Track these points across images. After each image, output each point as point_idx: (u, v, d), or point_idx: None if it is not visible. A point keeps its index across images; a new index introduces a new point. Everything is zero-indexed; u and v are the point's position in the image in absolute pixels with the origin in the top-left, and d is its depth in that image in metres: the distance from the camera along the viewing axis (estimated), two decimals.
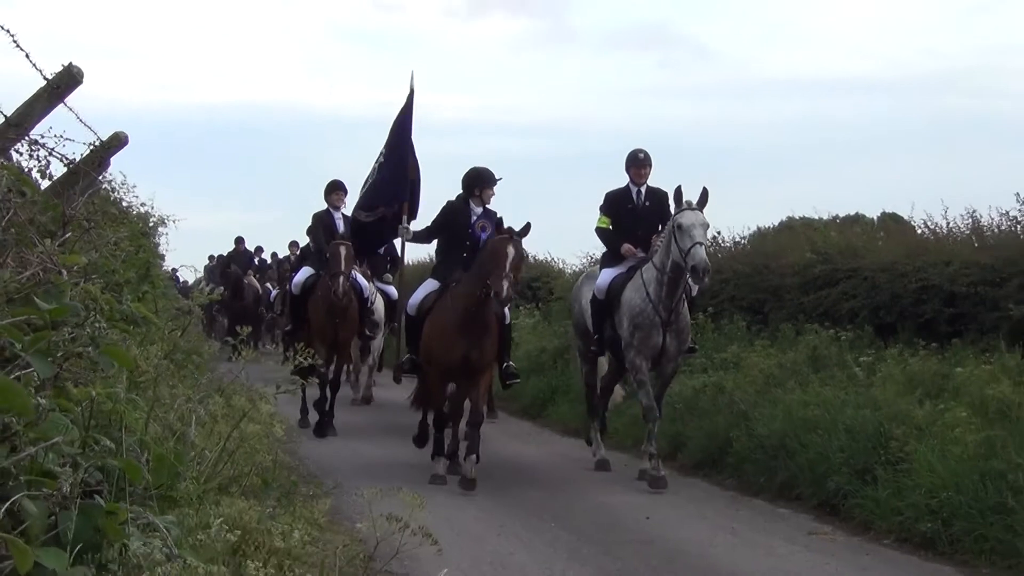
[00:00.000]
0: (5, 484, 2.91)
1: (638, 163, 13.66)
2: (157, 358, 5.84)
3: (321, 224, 16.85)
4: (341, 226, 16.88)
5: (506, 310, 13.30)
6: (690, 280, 12.32)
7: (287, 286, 23.82)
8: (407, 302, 13.32)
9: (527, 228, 12.11)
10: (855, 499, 10.28)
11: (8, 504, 2.76)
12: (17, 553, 2.25)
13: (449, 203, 13.53)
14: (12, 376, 3.14)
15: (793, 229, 21.69)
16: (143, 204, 12.83)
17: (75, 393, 3.35)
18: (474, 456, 12.09)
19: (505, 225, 12.72)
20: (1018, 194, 13.93)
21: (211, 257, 31.87)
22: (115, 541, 3.23)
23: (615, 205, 13.78)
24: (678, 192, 12.40)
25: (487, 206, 13.26)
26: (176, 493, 4.19)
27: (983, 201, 15.53)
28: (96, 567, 3.08)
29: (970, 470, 9.36)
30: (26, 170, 7.18)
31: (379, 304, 18.36)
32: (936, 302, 13.54)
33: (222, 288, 24.62)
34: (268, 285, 27.11)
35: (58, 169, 8.06)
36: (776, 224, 24.79)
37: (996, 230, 14.52)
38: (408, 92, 15.09)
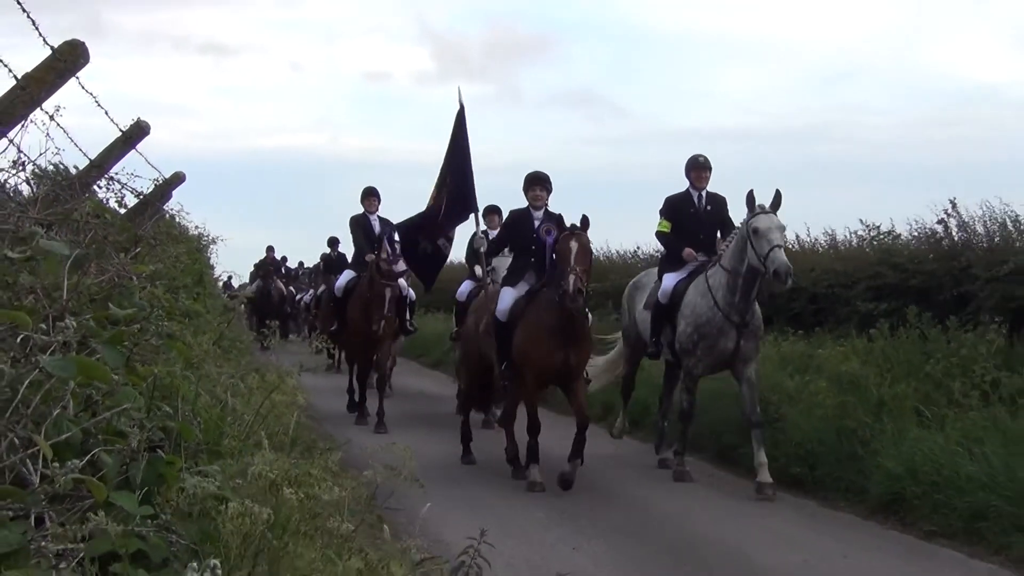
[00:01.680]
0: (87, 441, 2.92)
1: (699, 167, 11.03)
2: (207, 344, 5.83)
3: (359, 227, 14.54)
4: (377, 227, 14.57)
5: (589, 314, 10.59)
6: (771, 283, 9.77)
7: (317, 290, 23.77)
8: (497, 309, 10.40)
9: (585, 221, 9.74)
10: (742, 450, 10.31)
11: (90, 456, 2.77)
12: (95, 490, 2.28)
13: (512, 212, 11.09)
14: (95, 358, 3.13)
15: None
16: (197, 227, 12.86)
17: (141, 371, 3.36)
18: (579, 459, 9.61)
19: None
20: (863, 219, 14.06)
21: (256, 266, 30.83)
22: (173, 485, 3.24)
23: (676, 209, 11.05)
24: (750, 196, 9.89)
25: (548, 209, 10.65)
26: (221, 448, 4.19)
27: (839, 223, 15.59)
28: (158, 506, 3.08)
29: (829, 427, 9.60)
30: (105, 201, 7.19)
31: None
32: (803, 299, 13.54)
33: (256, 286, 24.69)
34: (291, 288, 26.95)
35: (131, 200, 8.09)
36: None
37: (848, 245, 14.68)
38: (458, 108, 11.77)
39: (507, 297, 10.36)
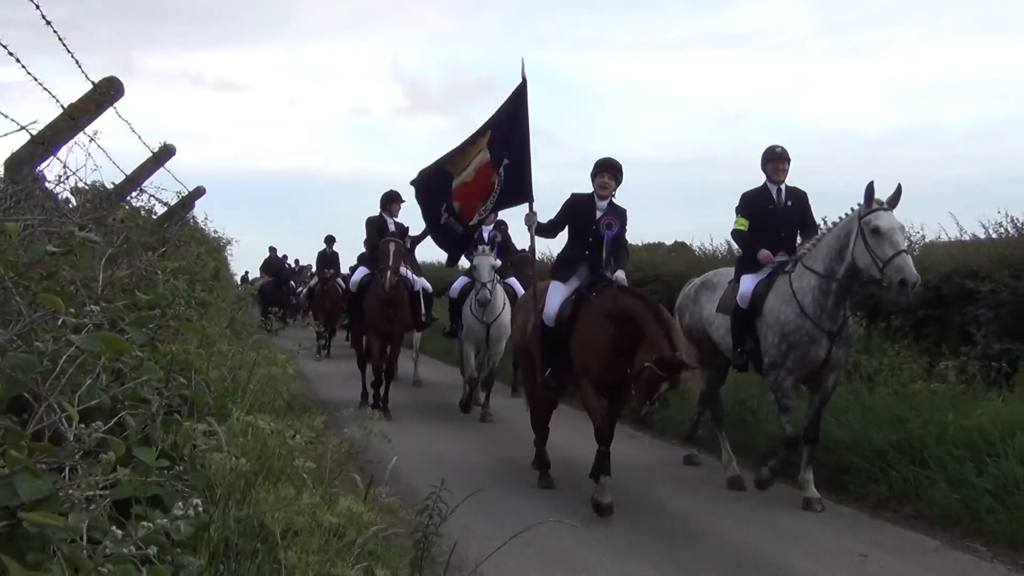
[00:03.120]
0: (115, 406, 2.89)
1: (776, 158, 8.34)
2: (220, 327, 5.78)
3: (375, 227, 12.20)
4: (392, 230, 12.26)
5: None
6: (894, 295, 7.08)
7: (310, 284, 22.80)
8: (544, 312, 7.87)
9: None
10: (658, 416, 10.07)
11: (116, 418, 2.73)
12: (115, 446, 2.25)
13: (573, 195, 8.15)
14: (125, 337, 3.09)
15: None
16: (215, 231, 12.73)
17: (162, 349, 3.34)
18: (608, 477, 7.26)
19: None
20: None
21: (264, 264, 30.23)
22: (187, 442, 3.19)
23: (753, 205, 8.42)
24: (870, 188, 7.21)
25: (613, 200, 7.99)
26: (228, 412, 4.14)
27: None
28: (173, 460, 3.05)
29: (728, 399, 9.48)
30: (138, 210, 7.11)
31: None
32: None
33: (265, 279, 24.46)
34: (292, 282, 26.67)
35: (160, 209, 8.00)
36: None
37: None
38: (520, 82, 8.34)
39: (556, 298, 7.87)
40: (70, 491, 2.17)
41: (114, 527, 1.83)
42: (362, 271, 12.60)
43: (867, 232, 7.17)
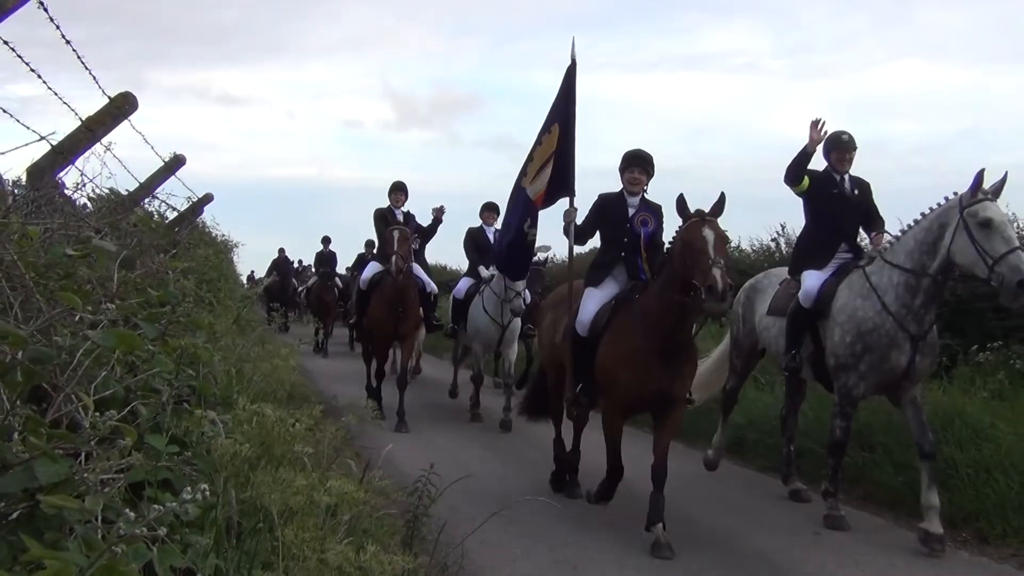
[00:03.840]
0: (127, 396, 2.87)
1: (841, 146, 6.87)
2: (227, 323, 5.74)
3: (381, 218, 10.89)
4: (400, 220, 10.81)
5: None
6: (1008, 298, 5.63)
7: (308, 284, 22.02)
8: (577, 320, 6.50)
9: (721, 202, 5.68)
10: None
11: (129, 408, 2.71)
12: (127, 433, 2.23)
13: (601, 196, 6.78)
14: (138, 332, 3.07)
15: None
16: (223, 234, 12.63)
17: (172, 343, 3.31)
18: (661, 524, 5.76)
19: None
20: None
21: (272, 264, 29.34)
22: (194, 429, 3.17)
23: (818, 187, 6.89)
24: (979, 177, 5.76)
25: (645, 196, 6.66)
26: (233, 402, 4.10)
27: None
28: (182, 445, 3.03)
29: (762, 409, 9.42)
30: (151, 215, 7.07)
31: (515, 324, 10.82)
32: None
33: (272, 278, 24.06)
34: (294, 281, 26.36)
35: (171, 214, 7.96)
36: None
37: None
38: (569, 64, 6.90)
39: (591, 304, 6.49)
40: (85, 475, 2.16)
41: (127, 509, 1.81)
42: (373, 267, 11.10)
43: (973, 225, 5.73)
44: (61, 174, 4.72)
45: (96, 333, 2.40)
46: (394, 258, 9.81)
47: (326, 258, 20.46)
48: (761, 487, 7.61)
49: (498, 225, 9.89)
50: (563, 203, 6.87)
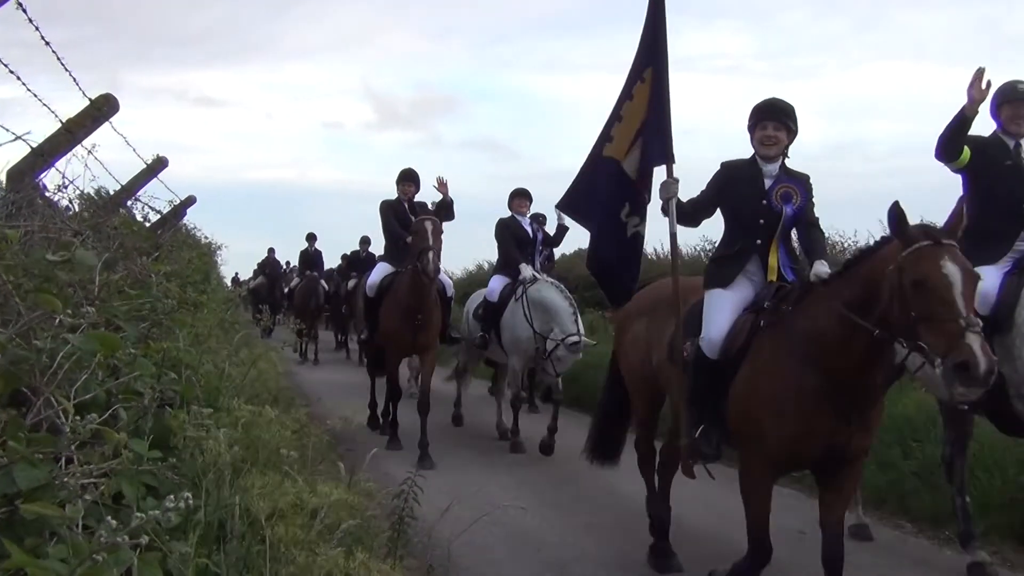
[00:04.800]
0: (109, 399, 2.84)
1: (1018, 97, 5.08)
2: (210, 325, 5.70)
3: (392, 212, 9.33)
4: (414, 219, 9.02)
5: None
6: None
7: (291, 285, 20.43)
8: (704, 336, 4.63)
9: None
10: None
11: (110, 411, 2.68)
12: (108, 437, 2.21)
13: (725, 164, 4.90)
14: (120, 335, 3.04)
15: None
16: (206, 237, 12.54)
17: (154, 346, 3.29)
18: None
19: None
20: (703, 235, 14.13)
21: (259, 264, 26.90)
22: (178, 433, 3.14)
23: (983, 155, 5.07)
24: None
25: (787, 164, 4.80)
26: (218, 405, 4.08)
27: (680, 240, 15.97)
28: (164, 450, 3.00)
29: None
30: (132, 217, 7.02)
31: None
32: None
33: (259, 280, 23.33)
34: (281, 284, 25.71)
35: (153, 216, 7.91)
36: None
37: (690, 254, 15.11)
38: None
39: (723, 314, 4.64)
40: (66, 479, 2.13)
41: (108, 516, 1.79)
42: (382, 269, 9.34)
43: None
44: (41, 176, 4.67)
45: (77, 336, 2.38)
46: (429, 255, 8.08)
47: (311, 258, 19.31)
48: None
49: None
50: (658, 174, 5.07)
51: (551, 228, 10.36)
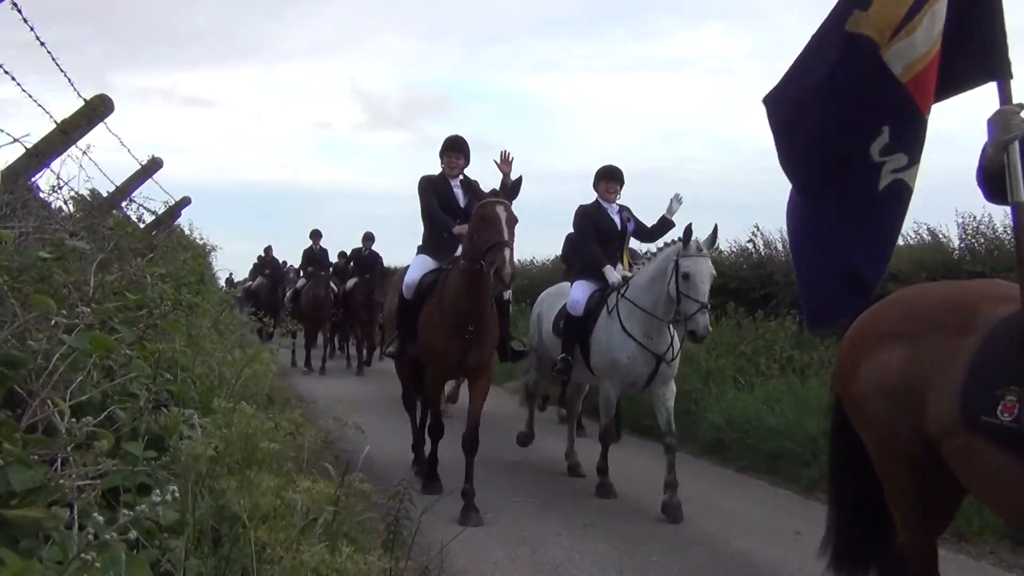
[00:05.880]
0: (105, 400, 2.84)
1: None
2: (205, 327, 5.69)
3: (433, 189, 7.21)
4: (462, 198, 7.06)
5: None
6: None
7: (296, 286, 18.17)
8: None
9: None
10: None
11: (106, 412, 2.68)
12: (104, 438, 2.21)
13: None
14: (115, 337, 3.04)
15: None
16: (201, 238, 12.48)
17: (149, 347, 3.29)
18: None
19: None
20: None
21: (255, 264, 24.99)
22: (173, 434, 3.14)
23: None
24: None
25: None
26: (213, 406, 4.07)
27: None
28: (159, 451, 3.00)
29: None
30: (127, 218, 7.02)
31: None
32: None
33: (253, 282, 22.54)
34: (284, 285, 24.36)
35: (148, 217, 7.91)
36: None
37: None
38: None
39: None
40: (61, 481, 2.13)
41: (96, 514, 1.79)
42: (422, 263, 7.22)
43: None
44: (36, 177, 4.66)
45: (72, 337, 2.38)
46: (505, 253, 5.88)
47: (317, 257, 17.61)
48: (740, 488, 7.63)
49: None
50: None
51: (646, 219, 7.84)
